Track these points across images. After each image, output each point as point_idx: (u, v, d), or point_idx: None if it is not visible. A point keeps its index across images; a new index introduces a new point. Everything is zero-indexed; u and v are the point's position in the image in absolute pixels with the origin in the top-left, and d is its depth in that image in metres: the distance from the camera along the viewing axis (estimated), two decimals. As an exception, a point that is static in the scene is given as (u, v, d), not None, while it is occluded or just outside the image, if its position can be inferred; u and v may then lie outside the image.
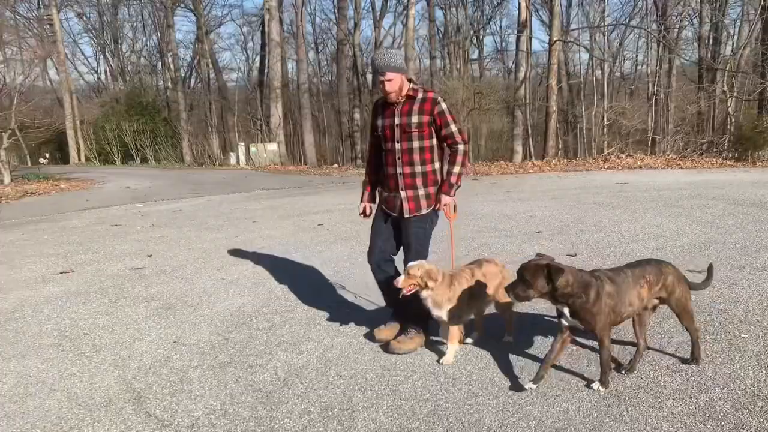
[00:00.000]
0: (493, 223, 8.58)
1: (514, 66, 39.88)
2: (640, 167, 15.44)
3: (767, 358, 3.67)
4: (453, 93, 20.71)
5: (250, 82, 41.70)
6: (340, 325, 4.62)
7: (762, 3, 19.70)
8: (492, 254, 6.57)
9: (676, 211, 8.70)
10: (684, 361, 3.66)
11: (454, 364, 3.83)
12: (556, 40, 20.45)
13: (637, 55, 37.92)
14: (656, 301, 3.58)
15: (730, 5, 27.10)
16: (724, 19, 26.14)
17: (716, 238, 6.87)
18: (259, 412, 3.34)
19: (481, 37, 43.42)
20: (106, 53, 43.76)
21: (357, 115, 30.51)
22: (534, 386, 3.37)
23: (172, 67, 34.32)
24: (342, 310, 4.97)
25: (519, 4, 28.52)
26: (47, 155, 30.40)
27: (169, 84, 34.93)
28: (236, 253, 7.45)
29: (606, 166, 16.13)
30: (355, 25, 30.68)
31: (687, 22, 29.83)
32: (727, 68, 20.73)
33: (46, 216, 12.17)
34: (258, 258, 7.10)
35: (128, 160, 29.41)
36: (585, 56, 35.88)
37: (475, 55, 43.15)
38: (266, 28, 25.39)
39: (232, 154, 26.09)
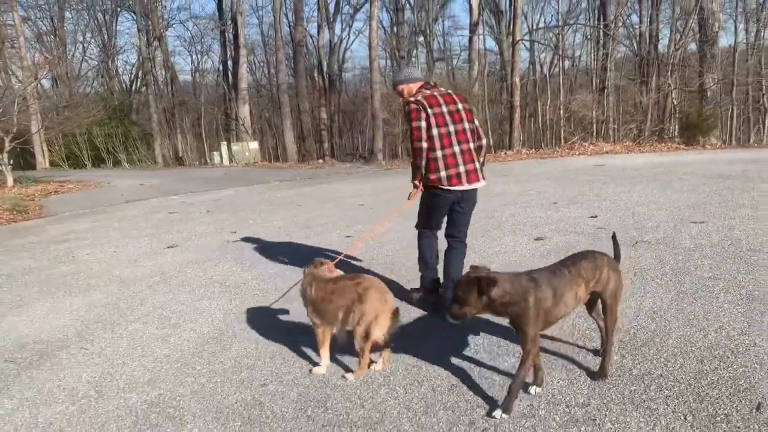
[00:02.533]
0: (510, 198, 9.99)
1: (462, 65, 41.85)
2: (606, 153, 17.25)
3: (775, 269, 5.16)
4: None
5: (202, 84, 42.15)
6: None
7: (698, 3, 21.95)
8: (526, 221, 7.98)
9: (659, 183, 10.34)
10: (591, 375, 3.55)
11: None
12: (519, 40, 22.14)
13: (574, 52, 40.64)
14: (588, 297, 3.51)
15: (666, 3, 29.66)
16: (657, 18, 28.57)
17: (702, 200, 8.48)
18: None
19: (429, 38, 45.17)
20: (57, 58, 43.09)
21: (324, 114, 31.53)
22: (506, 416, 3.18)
23: (124, 70, 34.49)
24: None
25: (470, 5, 30.38)
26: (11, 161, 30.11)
27: (123, 87, 35.08)
28: (308, 228, 8.60)
29: (575, 153, 17.89)
30: (319, 27, 31.70)
31: (626, 19, 32.35)
32: (670, 62, 22.92)
33: (95, 209, 12.93)
34: (333, 230, 8.26)
35: (99, 163, 29.55)
36: (527, 54, 38.25)
37: (423, 57, 44.79)
38: (239, 32, 26.18)
39: (215, 153, 26.73)
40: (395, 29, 38.37)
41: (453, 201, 4.55)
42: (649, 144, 18.59)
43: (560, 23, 29.24)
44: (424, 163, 4.42)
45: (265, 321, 4.91)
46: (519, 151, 19.89)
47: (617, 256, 3.75)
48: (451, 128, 4.44)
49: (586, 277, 3.33)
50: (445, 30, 58.88)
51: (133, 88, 42.07)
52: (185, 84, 45.37)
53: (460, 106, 4.54)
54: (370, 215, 9.40)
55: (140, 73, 41.51)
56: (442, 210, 4.66)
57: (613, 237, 3.91)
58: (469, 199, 4.61)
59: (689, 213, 7.67)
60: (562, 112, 23.76)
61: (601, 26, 26.03)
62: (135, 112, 37.15)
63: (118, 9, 40.72)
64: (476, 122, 4.64)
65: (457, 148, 4.43)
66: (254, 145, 25.87)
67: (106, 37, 42.38)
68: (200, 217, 10.57)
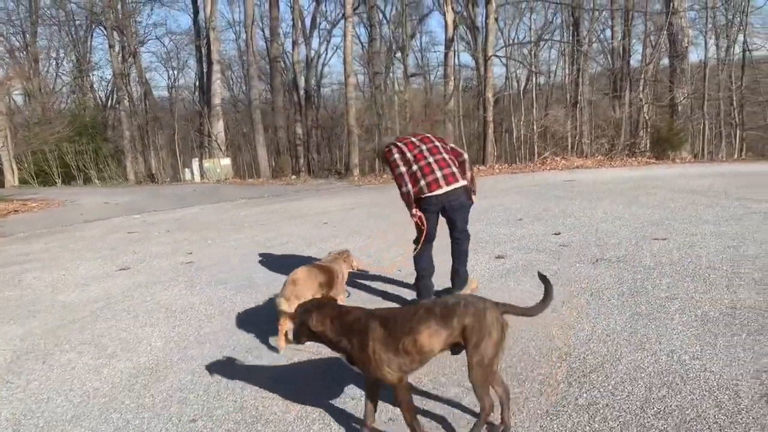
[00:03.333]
0: (476, 215, 9.83)
1: (441, 81, 41.97)
2: (577, 167, 17.26)
3: (734, 287, 5.06)
4: (401, 107, 22.06)
5: (179, 100, 41.81)
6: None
7: (668, 19, 22.21)
8: (489, 239, 7.84)
9: (626, 198, 10.28)
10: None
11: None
12: (491, 56, 22.20)
13: (549, 68, 41.02)
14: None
15: (635, 21, 30.04)
16: (629, 34, 28.95)
17: (666, 216, 8.42)
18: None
19: (407, 54, 45.37)
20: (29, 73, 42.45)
21: (299, 130, 31.36)
22: None
23: (96, 86, 34.15)
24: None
25: (446, 21, 30.52)
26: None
27: (99, 103, 34.61)
28: (268, 248, 8.37)
29: (546, 168, 17.88)
30: (294, 42, 31.62)
31: (601, 34, 32.76)
32: (641, 77, 23.14)
33: (53, 229, 12.51)
34: (292, 250, 8.05)
35: (70, 181, 29.04)
36: (503, 71, 38.52)
37: (400, 72, 44.97)
38: (212, 47, 25.97)
39: (186, 169, 26.38)
40: (371, 45, 38.48)
41: (439, 206, 4.95)
42: (620, 159, 18.65)
43: (533, 39, 29.42)
44: (409, 202, 4.95)
45: (205, 350, 4.68)
46: (492, 166, 19.85)
47: (548, 296, 3.18)
48: (423, 147, 4.99)
49: (443, 321, 2.90)
50: (423, 45, 59.50)
51: (108, 104, 41.62)
52: (162, 100, 45.04)
53: (436, 141, 5.11)
54: (332, 233, 9.22)
55: (115, 89, 41.14)
56: (431, 217, 5.01)
57: (542, 277, 3.33)
58: (454, 199, 4.93)
59: (652, 229, 7.60)
60: (535, 127, 23.83)
61: (574, 42, 26.20)
62: (111, 129, 36.70)
63: (93, 25, 40.37)
64: (451, 144, 5.19)
65: (431, 159, 4.93)
66: (226, 161, 25.58)
67: (80, 52, 41.94)
68: (159, 236, 10.29)
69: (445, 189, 4.85)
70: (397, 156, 4.96)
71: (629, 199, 10.26)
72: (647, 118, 21.92)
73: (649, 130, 21.10)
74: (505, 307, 3.07)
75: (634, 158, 18.45)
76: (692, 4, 27.95)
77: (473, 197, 5.17)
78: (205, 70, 29.14)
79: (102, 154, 28.68)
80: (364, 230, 9.15)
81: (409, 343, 2.87)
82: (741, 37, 31.48)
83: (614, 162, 17.92)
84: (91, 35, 42.02)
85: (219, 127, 28.35)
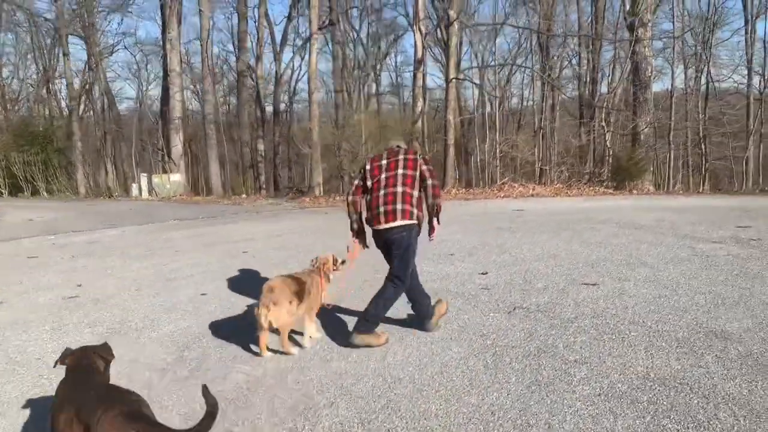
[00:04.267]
0: (408, 247, 9.21)
1: (411, 100, 41.60)
2: (532, 195, 16.79)
3: (653, 350, 4.45)
4: (357, 127, 21.50)
5: (147, 111, 40.83)
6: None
7: (632, 47, 22.02)
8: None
9: (569, 233, 9.72)
10: None
11: (399, 367, 4.34)
12: (452, 78, 21.80)
13: (522, 92, 40.88)
14: None
15: (604, 48, 29.97)
16: (598, 60, 28.86)
17: (605, 256, 7.85)
18: (229, 415, 3.70)
19: (378, 73, 45.04)
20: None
21: (261, 146, 30.61)
22: None
23: (61, 95, 33.09)
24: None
25: (415, 42, 30.15)
26: None
27: (61, 112, 33.52)
28: (168, 280, 7.61)
29: (501, 195, 17.39)
30: (257, 57, 30.97)
31: (567, 62, 32.66)
32: (604, 105, 22.90)
33: None
34: (189, 284, 7.31)
35: (17, 192, 27.86)
36: (476, 92, 38.26)
37: (373, 90, 44.57)
38: (171, 58, 25.22)
39: (134, 185, 25.43)
40: (334, 63, 38.06)
41: (381, 241, 4.89)
42: (577, 188, 18.24)
43: (496, 63, 29.15)
44: (349, 212, 5.03)
45: (27, 415, 3.92)
46: (450, 190, 19.31)
47: (207, 418, 2.59)
48: (382, 176, 4.83)
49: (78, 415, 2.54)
50: (398, 65, 59.28)
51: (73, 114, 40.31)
52: (131, 111, 43.87)
53: (402, 157, 4.89)
54: (244, 265, 8.47)
55: (81, 99, 39.93)
56: (381, 250, 5.00)
57: (204, 390, 2.80)
58: (387, 240, 4.80)
59: (586, 271, 7.01)
60: (496, 151, 23.40)
61: (542, 68, 25.93)
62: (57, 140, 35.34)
63: (56, 32, 39.05)
64: (423, 167, 4.84)
65: (381, 192, 4.78)
66: (176, 177, 24.70)
67: (46, 59, 40.65)
68: (58, 263, 9.42)
69: (383, 226, 4.75)
70: (366, 168, 4.96)
71: (572, 234, 9.70)
72: (609, 146, 21.59)
73: (609, 159, 20.74)
74: (138, 424, 2.49)
75: (592, 188, 18.03)
76: (660, 34, 28.04)
77: (432, 233, 4.93)
78: (164, 84, 28.32)
79: (52, 166, 27.54)
80: (282, 264, 8.42)
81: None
82: (706, 68, 31.69)
83: (571, 191, 17.49)
84: (66, 43, 40.78)
85: (176, 141, 27.49)
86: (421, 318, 5.18)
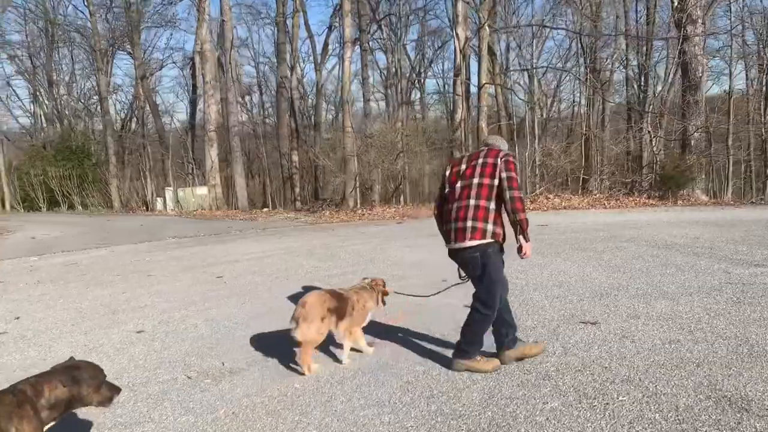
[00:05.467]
0: (405, 271, 8.26)
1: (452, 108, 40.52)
2: (565, 208, 15.49)
3: (639, 425, 3.37)
4: (380, 136, 20.67)
5: (188, 124, 41.03)
6: (190, 403, 4.13)
7: (680, 47, 20.42)
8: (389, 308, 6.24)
9: (586, 255, 8.56)
10: None
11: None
12: (484, 83, 20.71)
13: (573, 97, 39.08)
14: None
15: (655, 49, 28.19)
16: (648, 62, 27.15)
17: (620, 283, 6.71)
18: None
19: (422, 80, 44.05)
20: (40, 96, 42.24)
21: (295, 157, 30.13)
22: None
23: (101, 110, 33.49)
24: (200, 383, 4.48)
25: (455, 47, 29.12)
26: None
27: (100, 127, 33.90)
28: (115, 313, 6.85)
29: (532, 207, 16.15)
30: (292, 67, 30.57)
31: (618, 65, 30.96)
32: (650, 109, 21.33)
33: None
34: (134, 318, 6.54)
35: (54, 206, 28.18)
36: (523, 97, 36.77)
37: (417, 98, 43.65)
38: (198, 71, 24.99)
39: (159, 199, 25.23)
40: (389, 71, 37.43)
41: (457, 261, 4.40)
42: (617, 198, 16.82)
43: (533, 66, 27.77)
44: (438, 223, 4.56)
45: None
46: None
47: None
48: (458, 185, 4.27)
49: None
50: (445, 71, 58.04)
51: (123, 129, 40.81)
52: (184, 125, 44.19)
53: (480, 161, 4.24)
54: (211, 292, 7.66)
55: (131, 114, 40.40)
56: (458, 267, 4.49)
57: None
58: (462, 260, 4.32)
59: (590, 305, 5.90)
60: (536, 159, 22.07)
61: (571, 70, 24.50)
62: (129, 152, 35.77)
63: (112, 48, 39.57)
64: (503, 174, 4.14)
65: (455, 205, 4.26)
66: (202, 190, 24.32)
67: (98, 76, 41.32)
68: (18, 290, 8.69)
69: (453, 246, 4.30)
70: (445, 175, 4.48)
71: (591, 255, 8.54)
72: (656, 153, 20.00)
73: (655, 167, 19.17)
74: None
75: (632, 198, 16.58)
76: (713, 31, 26.08)
77: (523, 252, 4.27)
78: (193, 96, 28.18)
79: (87, 180, 27.71)
80: (250, 293, 7.56)
81: None
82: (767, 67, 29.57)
83: (610, 202, 16.11)
84: (110, 58, 41.37)
85: (212, 154, 27.23)
86: (498, 346, 4.47)
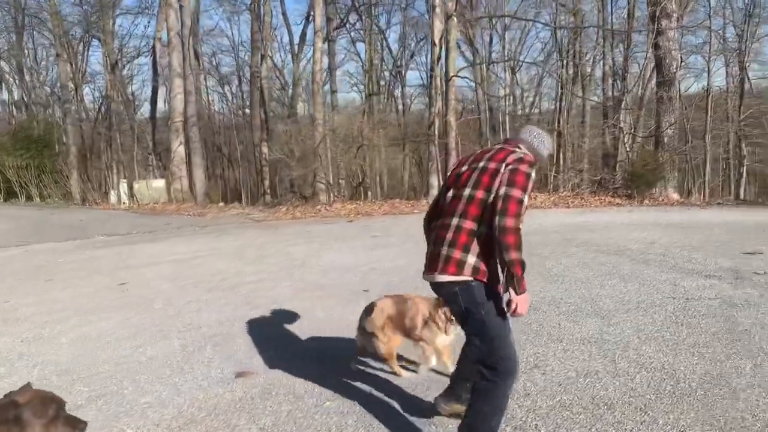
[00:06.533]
0: (341, 276, 7.56)
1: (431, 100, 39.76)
2: (530, 206, 14.84)
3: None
4: (342, 129, 19.95)
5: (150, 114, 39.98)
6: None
7: (653, 41, 19.85)
8: (286, 329, 5.55)
9: (528, 262, 7.87)
10: None
11: None
12: (452, 76, 20.01)
13: (554, 93, 38.47)
14: None
15: (635, 43, 27.59)
16: (627, 56, 26.57)
17: (554, 296, 6.06)
18: None
19: (403, 73, 43.17)
20: (7, 83, 40.96)
21: (265, 149, 29.27)
22: None
23: (61, 99, 32.41)
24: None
25: (432, 39, 28.36)
26: None
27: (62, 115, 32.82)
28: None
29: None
30: (262, 57, 29.71)
31: (593, 60, 30.42)
32: (623, 105, 20.78)
33: None
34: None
35: (12, 198, 27.14)
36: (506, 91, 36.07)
37: (398, 91, 42.82)
38: (159, 59, 24.05)
39: (113, 192, 24.29)
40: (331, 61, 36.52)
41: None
42: (582, 197, 16.21)
43: (504, 59, 27.11)
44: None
45: None
46: (428, 202, 17.51)
47: None
48: (449, 194, 3.10)
49: None
50: (428, 64, 57.04)
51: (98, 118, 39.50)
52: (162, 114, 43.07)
53: (482, 164, 2.99)
54: (102, 305, 6.88)
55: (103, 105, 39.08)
56: None
57: None
58: (440, 295, 3.19)
59: (512, 324, 5.21)
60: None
61: (550, 66, 23.90)
62: (105, 143, 34.58)
63: (87, 35, 38.23)
64: (501, 190, 2.81)
65: (438, 222, 3.12)
66: (159, 183, 23.42)
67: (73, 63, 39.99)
68: None
69: (426, 277, 3.13)
70: (447, 176, 3.33)
71: (534, 261, 7.86)
72: (628, 150, 19.41)
73: (621, 164, 18.60)
74: None
75: (598, 197, 15.97)
76: (690, 26, 25.50)
77: (512, 308, 2.88)
78: (153, 84, 27.21)
79: (46, 171, 26.63)
80: (144, 305, 6.76)
81: None
82: (746, 65, 29.17)
83: (575, 201, 15.49)
84: (87, 46, 39.96)
85: (176, 145, 26.30)
86: (449, 393, 3.51)
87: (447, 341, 4.04)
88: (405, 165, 34.38)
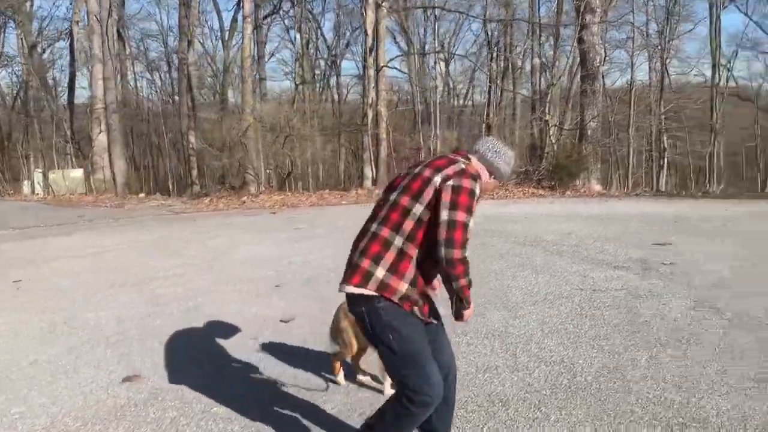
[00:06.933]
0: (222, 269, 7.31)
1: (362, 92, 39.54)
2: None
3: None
4: (269, 118, 19.55)
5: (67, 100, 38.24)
6: None
7: (577, 35, 20.29)
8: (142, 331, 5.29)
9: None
10: None
11: None
12: (381, 66, 19.93)
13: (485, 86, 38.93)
14: None
15: (562, 38, 28.17)
16: (556, 50, 27.12)
17: (465, 290, 6.00)
18: None
19: (338, 62, 42.72)
20: None
21: (192, 138, 28.42)
22: None
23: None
24: None
25: (365, 31, 28.11)
26: None
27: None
28: None
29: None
30: (189, 43, 28.77)
31: (525, 53, 30.95)
32: (548, 99, 21.20)
33: None
34: None
35: None
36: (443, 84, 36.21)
37: (333, 80, 42.39)
38: (76, 43, 22.91)
39: (26, 182, 23.03)
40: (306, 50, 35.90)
41: None
42: (506, 188, 16.43)
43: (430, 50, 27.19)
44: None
45: None
46: (358, 192, 17.42)
47: None
48: (381, 198, 2.74)
49: None
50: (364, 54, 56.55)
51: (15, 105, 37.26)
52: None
53: (417, 170, 2.65)
54: None
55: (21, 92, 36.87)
56: None
57: None
58: (350, 310, 2.74)
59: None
60: (437, 148, 21.53)
61: (478, 59, 24.14)
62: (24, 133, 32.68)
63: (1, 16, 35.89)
64: (443, 215, 2.46)
65: (363, 226, 2.75)
66: (77, 173, 22.37)
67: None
68: None
69: (341, 288, 2.65)
70: None
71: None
72: (553, 142, 19.82)
73: (546, 156, 18.98)
74: None
75: (520, 189, 16.22)
76: (615, 22, 26.22)
77: (464, 314, 2.70)
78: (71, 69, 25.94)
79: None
80: (27, 307, 6.28)
81: None
82: (667, 60, 30.29)
83: (497, 193, 15.65)
84: (3, 28, 37.50)
85: (100, 134, 25.13)
86: None
87: None
88: (340, 155, 34.20)
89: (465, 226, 2.48)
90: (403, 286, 2.53)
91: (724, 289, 5.71)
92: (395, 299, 2.53)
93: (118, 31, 32.45)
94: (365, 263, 2.56)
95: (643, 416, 3.30)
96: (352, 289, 2.56)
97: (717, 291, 5.65)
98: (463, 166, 2.57)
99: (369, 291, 2.52)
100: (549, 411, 3.40)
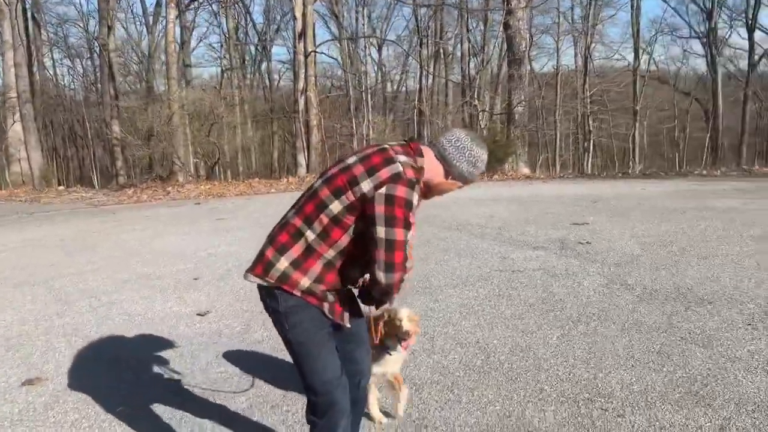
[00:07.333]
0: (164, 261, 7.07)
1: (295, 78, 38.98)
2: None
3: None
4: (191, 105, 19.03)
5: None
6: None
7: (503, 20, 20.59)
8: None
9: (371, 239, 7.85)
10: None
11: None
12: (311, 51, 19.68)
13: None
14: None
15: (491, 24, 28.56)
16: (486, 36, 27.51)
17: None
18: None
19: (269, 47, 41.88)
20: None
21: (116, 127, 27.36)
22: None
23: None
24: None
25: (294, 15, 27.62)
26: None
27: None
28: None
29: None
30: (110, 28, 27.62)
31: (455, 39, 31.23)
32: (478, 84, 21.49)
33: None
34: None
35: None
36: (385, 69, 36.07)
37: (264, 66, 41.58)
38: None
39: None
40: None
41: None
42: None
43: (348, 36, 27.11)
44: None
45: None
46: (288, 180, 17.23)
47: None
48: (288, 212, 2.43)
49: None
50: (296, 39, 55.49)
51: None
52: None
53: (349, 161, 2.29)
54: None
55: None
56: None
57: None
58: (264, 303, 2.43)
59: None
60: (369, 135, 21.50)
61: (410, 44, 24.20)
62: None
63: None
64: (377, 229, 2.15)
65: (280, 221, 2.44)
66: (-11, 167, 21.25)
67: None
68: None
69: (245, 275, 2.41)
70: None
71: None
72: (483, 127, 20.11)
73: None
74: None
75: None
76: (536, 6, 26.74)
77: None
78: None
79: None
80: None
81: None
82: (591, 45, 31.20)
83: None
84: None
85: (14, 125, 23.78)
86: None
87: (378, 369, 3.01)
88: (273, 143, 33.68)
89: (404, 244, 2.20)
90: (306, 282, 2.30)
91: (635, 266, 5.92)
92: (296, 292, 2.30)
93: (33, 15, 30.88)
94: (269, 252, 2.35)
95: (551, 394, 3.36)
96: (252, 278, 2.36)
97: (628, 268, 5.85)
98: (400, 169, 2.20)
99: (268, 282, 2.32)
100: (461, 393, 3.43)
